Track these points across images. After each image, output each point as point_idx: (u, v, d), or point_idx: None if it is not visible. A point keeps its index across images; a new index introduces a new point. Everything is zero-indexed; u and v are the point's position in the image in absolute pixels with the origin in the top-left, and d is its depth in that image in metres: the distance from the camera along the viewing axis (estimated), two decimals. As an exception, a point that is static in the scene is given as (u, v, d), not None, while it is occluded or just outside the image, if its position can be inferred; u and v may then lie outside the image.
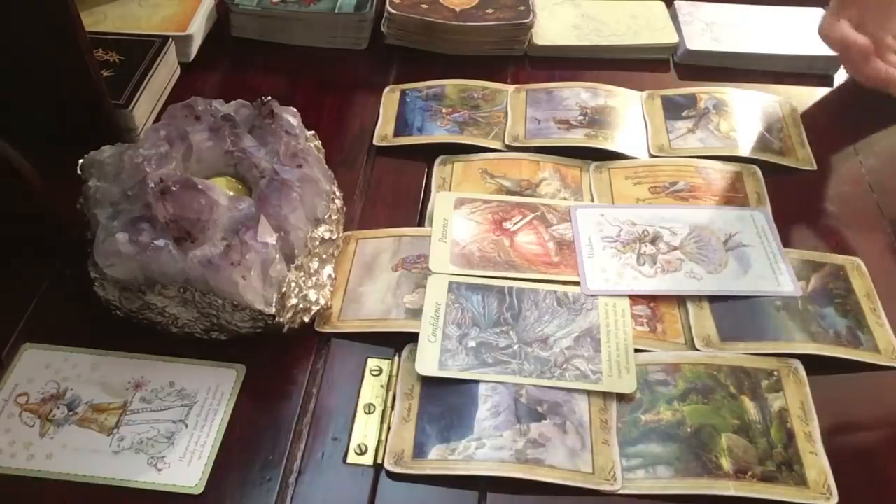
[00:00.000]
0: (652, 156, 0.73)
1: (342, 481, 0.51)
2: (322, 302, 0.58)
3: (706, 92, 0.79)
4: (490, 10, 0.85)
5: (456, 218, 0.66)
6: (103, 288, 0.56)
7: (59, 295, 0.61)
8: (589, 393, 0.55)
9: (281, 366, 0.57)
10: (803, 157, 0.74)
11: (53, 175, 0.61)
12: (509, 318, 0.59)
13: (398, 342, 0.58)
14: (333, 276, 0.61)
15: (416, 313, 0.59)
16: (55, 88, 0.66)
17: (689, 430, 0.53)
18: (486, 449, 0.52)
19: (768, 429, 0.53)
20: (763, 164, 0.72)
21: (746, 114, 0.77)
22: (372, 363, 0.57)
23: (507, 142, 0.74)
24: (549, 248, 0.64)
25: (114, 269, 0.54)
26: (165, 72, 0.78)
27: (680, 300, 0.61)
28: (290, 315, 0.56)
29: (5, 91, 0.65)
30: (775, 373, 0.56)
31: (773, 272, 0.62)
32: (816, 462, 0.52)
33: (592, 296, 0.61)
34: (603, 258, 0.63)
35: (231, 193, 0.57)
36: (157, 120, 0.73)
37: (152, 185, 0.54)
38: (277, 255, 0.55)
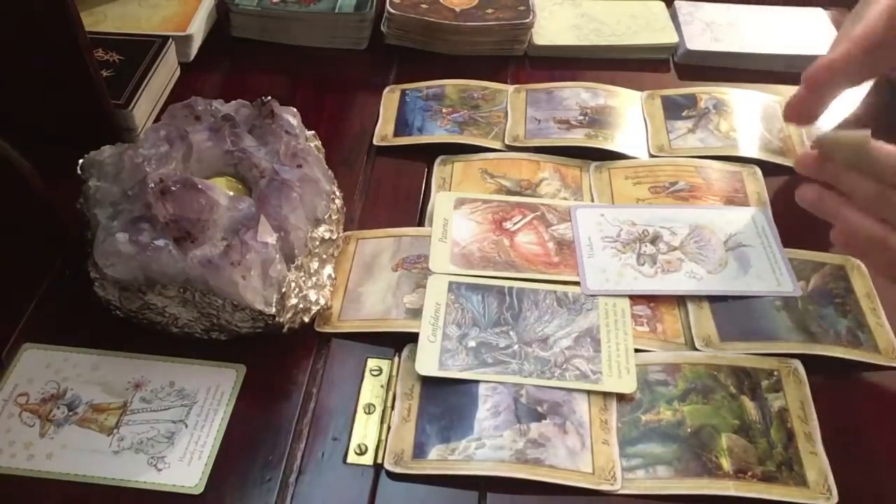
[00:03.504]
0: (652, 156, 0.73)
1: (342, 481, 0.51)
2: (322, 302, 0.58)
3: (706, 92, 0.79)
4: (490, 10, 0.85)
5: (456, 218, 0.66)
6: (103, 288, 0.56)
7: (59, 295, 0.61)
8: (589, 393, 0.55)
9: (281, 366, 0.57)
10: (803, 157, 0.74)
11: (53, 175, 0.61)
12: (509, 318, 0.59)
13: (398, 342, 0.58)
14: (333, 276, 0.61)
15: (416, 313, 0.59)
16: (55, 88, 0.66)
17: (689, 430, 0.53)
18: (486, 449, 0.52)
19: (768, 429, 0.53)
20: (763, 164, 0.72)
21: (746, 114, 0.77)
22: (372, 363, 0.57)
23: (507, 142, 0.74)
24: (549, 248, 0.64)
25: (114, 269, 0.54)
26: (165, 72, 0.78)
27: (680, 300, 0.61)
28: (290, 315, 0.56)
29: (5, 91, 0.65)
30: (775, 373, 0.56)
31: (773, 272, 0.62)
32: (816, 462, 0.52)
33: (592, 296, 0.61)
34: (603, 258, 0.63)
35: (231, 193, 0.57)
36: (157, 120, 0.72)
37: (152, 185, 0.54)
38: (277, 255, 0.55)
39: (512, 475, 0.50)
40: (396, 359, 0.57)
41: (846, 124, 0.77)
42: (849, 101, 0.81)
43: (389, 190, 0.71)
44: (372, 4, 0.84)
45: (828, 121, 0.78)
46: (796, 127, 0.76)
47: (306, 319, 0.57)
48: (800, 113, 0.61)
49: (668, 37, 0.85)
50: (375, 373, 0.57)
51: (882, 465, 0.53)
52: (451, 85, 0.80)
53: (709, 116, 0.76)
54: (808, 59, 0.82)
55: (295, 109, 0.64)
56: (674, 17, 0.88)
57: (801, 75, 0.60)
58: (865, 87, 0.82)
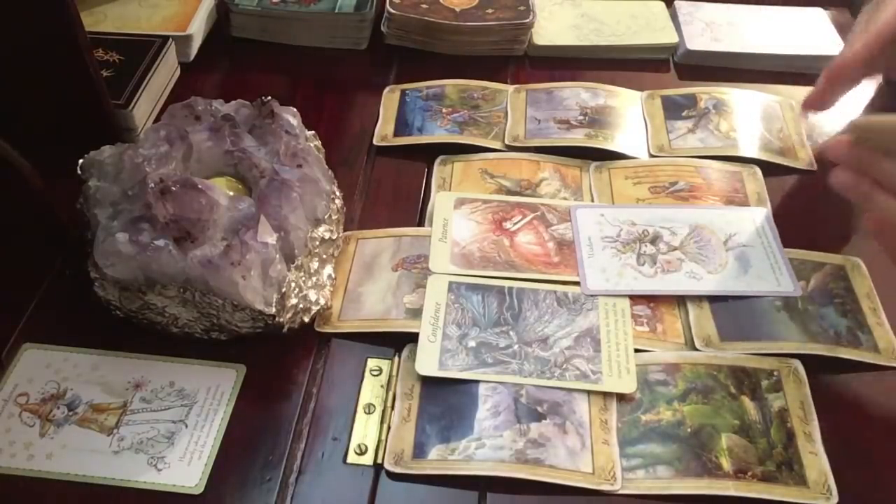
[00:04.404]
0: (652, 156, 0.73)
1: (342, 481, 0.51)
2: (322, 302, 0.58)
3: (706, 92, 0.79)
4: (490, 10, 0.85)
5: (456, 218, 0.66)
6: (103, 288, 0.56)
7: (59, 295, 0.61)
8: (589, 393, 0.55)
9: (281, 366, 0.57)
10: (803, 157, 0.74)
11: (53, 175, 0.61)
12: (509, 318, 0.59)
13: (398, 342, 0.58)
14: (333, 276, 0.61)
15: (416, 313, 0.59)
16: (55, 88, 0.66)
17: (689, 430, 0.53)
18: (486, 449, 0.52)
19: (768, 429, 0.53)
20: (763, 164, 0.72)
21: (746, 114, 0.77)
22: (372, 363, 0.57)
23: (507, 142, 0.74)
24: (549, 248, 0.64)
25: (114, 269, 0.54)
26: (165, 72, 0.78)
27: (680, 300, 0.61)
28: (290, 315, 0.56)
29: (5, 91, 0.65)
30: (775, 373, 0.56)
31: (773, 272, 0.62)
32: (816, 462, 0.52)
33: (592, 296, 0.61)
34: (603, 258, 0.63)
35: (231, 193, 0.57)
36: (157, 120, 0.73)
37: (152, 185, 0.54)
38: (277, 255, 0.55)
39: (512, 475, 0.50)
40: (396, 359, 0.57)
41: (842, 125, 0.77)
42: (852, 106, 0.81)
43: (389, 190, 0.71)
44: (372, 4, 0.84)
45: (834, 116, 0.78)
46: (797, 123, 0.76)
47: (306, 319, 0.57)
48: (818, 104, 0.63)
49: (668, 37, 0.85)
50: (375, 373, 0.57)
51: (882, 465, 0.53)
52: (451, 85, 0.80)
53: (709, 116, 0.76)
54: (808, 59, 0.83)
55: (295, 109, 0.64)
56: (674, 17, 0.88)
57: (823, 71, 0.62)
58: (869, 92, 0.82)
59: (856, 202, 0.55)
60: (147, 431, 0.53)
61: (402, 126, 0.76)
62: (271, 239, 0.54)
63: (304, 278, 0.57)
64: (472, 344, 0.57)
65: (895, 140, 0.51)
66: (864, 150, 0.53)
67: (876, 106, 0.79)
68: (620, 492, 0.50)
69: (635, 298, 0.61)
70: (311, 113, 0.69)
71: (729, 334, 0.59)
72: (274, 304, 0.54)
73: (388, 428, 0.53)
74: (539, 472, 0.51)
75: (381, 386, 0.56)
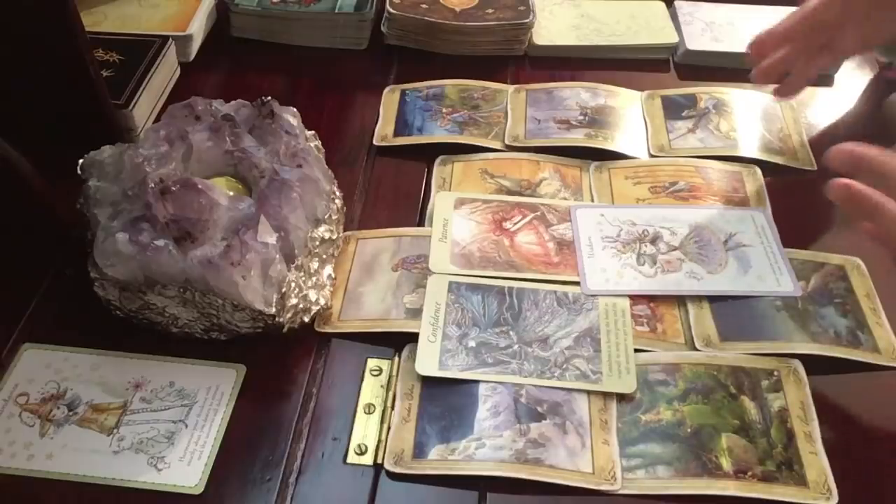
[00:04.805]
0: (652, 156, 0.73)
1: (342, 481, 0.51)
2: (322, 302, 0.58)
3: (706, 92, 0.79)
4: (490, 10, 0.85)
5: (456, 218, 0.66)
6: (103, 288, 0.56)
7: (59, 295, 0.61)
8: (589, 393, 0.55)
9: (281, 366, 0.57)
10: (803, 157, 0.74)
11: (53, 175, 0.61)
12: (509, 318, 0.59)
13: (398, 342, 0.58)
14: (333, 276, 0.61)
15: (416, 313, 0.59)
16: (55, 88, 0.66)
17: (689, 430, 0.53)
18: (486, 449, 0.52)
19: (768, 429, 0.53)
20: (763, 164, 0.72)
21: (746, 114, 0.77)
22: (372, 363, 0.57)
23: (507, 142, 0.74)
24: (549, 248, 0.64)
25: (114, 269, 0.54)
26: (165, 72, 0.78)
27: (680, 300, 0.61)
28: (290, 315, 0.56)
29: (5, 91, 0.65)
30: (775, 373, 0.56)
31: (773, 272, 0.62)
32: (816, 462, 0.52)
33: (592, 296, 0.61)
34: (603, 258, 0.63)
35: (231, 193, 0.57)
36: (157, 120, 0.73)
37: (152, 185, 0.54)
38: (277, 255, 0.55)
39: (512, 475, 0.50)
40: (396, 359, 0.57)
41: (842, 125, 0.78)
42: (848, 100, 0.81)
43: (389, 190, 0.71)
44: (372, 4, 0.84)
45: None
46: (797, 123, 0.76)
47: (306, 319, 0.57)
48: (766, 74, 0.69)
49: (668, 37, 0.85)
50: (375, 373, 0.57)
51: (882, 464, 0.53)
52: (451, 85, 0.80)
53: (709, 116, 0.76)
54: (808, 59, 0.83)
55: (295, 109, 0.64)
56: (674, 17, 0.88)
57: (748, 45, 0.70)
58: (862, 85, 0.82)
59: (857, 215, 0.50)
60: (147, 431, 0.53)
61: (402, 126, 0.76)
62: (271, 239, 0.54)
63: (304, 278, 0.57)
64: (472, 344, 0.57)
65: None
66: (877, 156, 0.48)
67: (870, 100, 0.80)
68: (620, 492, 0.50)
69: (635, 298, 0.61)
70: (311, 113, 0.69)
71: (729, 334, 0.59)
72: (274, 304, 0.54)
73: (388, 428, 0.53)
74: (539, 472, 0.51)
75: (381, 386, 0.56)
